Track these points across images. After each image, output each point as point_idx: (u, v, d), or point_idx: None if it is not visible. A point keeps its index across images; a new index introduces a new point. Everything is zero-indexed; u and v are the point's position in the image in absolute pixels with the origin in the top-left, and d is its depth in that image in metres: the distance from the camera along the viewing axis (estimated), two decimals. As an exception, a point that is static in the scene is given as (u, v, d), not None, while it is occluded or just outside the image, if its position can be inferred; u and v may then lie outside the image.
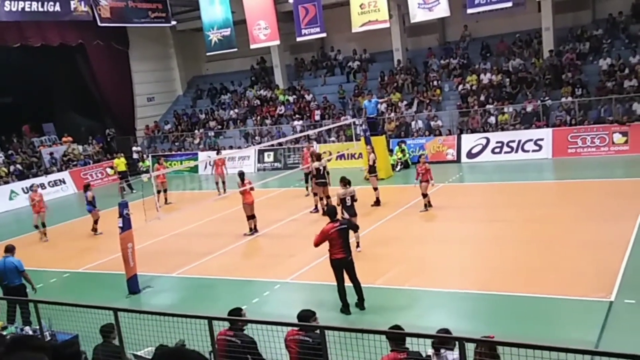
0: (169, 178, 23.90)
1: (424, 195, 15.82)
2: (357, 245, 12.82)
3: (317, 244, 10.02)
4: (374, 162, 17.68)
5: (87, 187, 18.69)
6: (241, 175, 16.19)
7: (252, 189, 15.76)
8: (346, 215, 12.54)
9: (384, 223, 15.33)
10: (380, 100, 23.90)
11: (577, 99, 22.53)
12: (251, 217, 15.77)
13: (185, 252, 14.91)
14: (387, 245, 13.60)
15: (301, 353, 6.42)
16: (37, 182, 26.20)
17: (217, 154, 22.27)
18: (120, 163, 26.36)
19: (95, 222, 17.78)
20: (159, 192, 20.18)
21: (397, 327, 6.08)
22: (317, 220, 16.30)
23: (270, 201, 19.84)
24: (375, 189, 17.23)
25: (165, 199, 21.12)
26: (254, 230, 15.81)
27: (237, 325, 6.98)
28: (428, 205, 15.89)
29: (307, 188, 19.63)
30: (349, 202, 13.08)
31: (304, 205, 18.06)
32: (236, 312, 7.26)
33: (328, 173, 17.12)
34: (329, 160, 19.93)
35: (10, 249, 10.85)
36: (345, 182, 13.20)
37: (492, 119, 23.75)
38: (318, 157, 17.39)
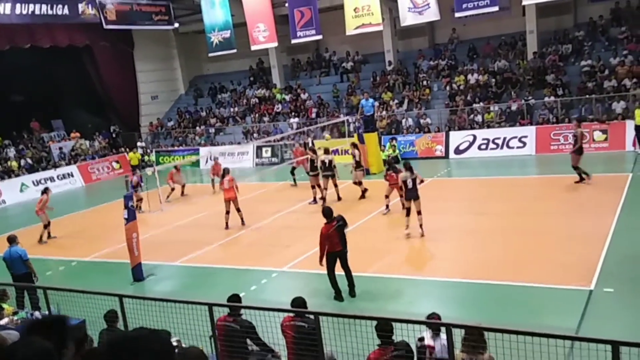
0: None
1: (387, 197, 15.29)
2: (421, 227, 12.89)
3: (321, 250, 9.91)
4: (359, 158, 17.66)
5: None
6: (225, 170, 16.18)
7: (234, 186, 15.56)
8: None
9: (375, 215, 15.32)
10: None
11: (560, 98, 22.56)
12: (236, 210, 15.54)
13: (187, 242, 14.87)
14: (378, 236, 13.59)
15: (297, 338, 6.40)
16: (46, 175, 26.21)
17: (216, 159, 22.30)
18: (134, 157, 26.32)
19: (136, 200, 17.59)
20: (172, 189, 20.35)
21: (385, 322, 5.75)
22: (314, 212, 16.29)
23: (267, 194, 19.83)
24: (358, 183, 17.33)
25: (182, 192, 20.99)
26: (226, 225, 15.60)
27: (236, 311, 6.97)
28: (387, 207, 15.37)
29: (294, 180, 20.24)
30: (410, 185, 12.92)
31: (300, 198, 18.03)
32: (235, 298, 7.23)
33: (334, 166, 17.10)
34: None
35: (12, 239, 10.84)
36: (407, 167, 13.18)
37: (478, 117, 23.75)
38: (326, 151, 17.46)
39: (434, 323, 5.64)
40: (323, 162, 17.08)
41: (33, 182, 25.43)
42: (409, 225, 13.00)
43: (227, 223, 15.55)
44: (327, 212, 10.17)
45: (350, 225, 13.93)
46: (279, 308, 6.71)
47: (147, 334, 2.01)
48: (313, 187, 17.43)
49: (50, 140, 29.58)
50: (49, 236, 16.76)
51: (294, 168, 20.50)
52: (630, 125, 20.12)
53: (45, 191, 17.19)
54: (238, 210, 15.54)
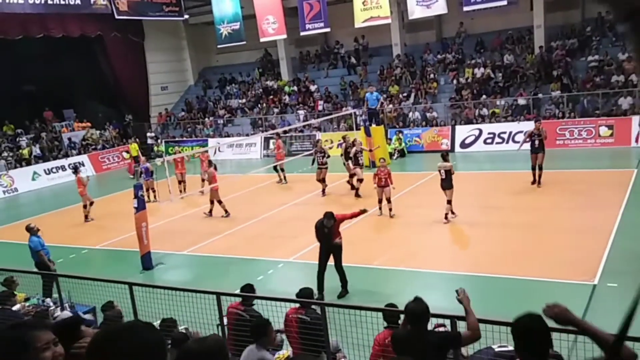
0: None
1: (386, 201, 14.23)
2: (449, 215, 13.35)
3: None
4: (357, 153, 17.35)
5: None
6: (212, 163, 16.58)
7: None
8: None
9: (378, 209, 15.28)
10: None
11: (566, 93, 22.42)
12: (219, 201, 15.95)
13: (195, 232, 14.94)
14: (383, 229, 13.61)
15: (300, 330, 6.43)
16: (58, 164, 26.37)
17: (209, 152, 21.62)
18: (133, 148, 26.33)
19: (146, 189, 17.80)
20: (179, 182, 19.87)
21: (392, 305, 6.05)
22: (321, 204, 16.31)
23: (274, 186, 19.83)
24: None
25: (184, 189, 20.00)
26: (225, 213, 16.01)
27: (249, 301, 7.02)
28: (389, 211, 14.30)
29: (280, 177, 19.76)
30: (443, 175, 13.19)
31: (307, 190, 18.04)
32: (249, 288, 7.27)
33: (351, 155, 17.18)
34: (330, 148, 19.91)
35: (29, 230, 11.02)
36: (442, 156, 13.64)
37: (484, 111, 23.63)
38: (353, 144, 17.55)
39: (441, 316, 5.63)
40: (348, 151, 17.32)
41: (45, 171, 25.60)
42: (454, 212, 13.44)
43: (225, 210, 16.00)
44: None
45: (354, 218, 14.01)
46: (286, 298, 6.74)
47: (131, 326, 1.98)
48: (320, 180, 17.43)
49: (64, 128, 29.74)
50: (85, 218, 17.35)
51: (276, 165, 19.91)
52: (636, 121, 20.00)
53: (76, 171, 18.43)
54: (211, 202, 16.03)
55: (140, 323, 2.00)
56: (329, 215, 9.74)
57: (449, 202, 13.24)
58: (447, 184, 13.19)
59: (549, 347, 3.48)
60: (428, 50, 27.62)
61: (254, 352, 5.56)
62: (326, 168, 17.51)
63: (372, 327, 5.70)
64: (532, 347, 3.45)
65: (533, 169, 15.72)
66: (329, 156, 17.81)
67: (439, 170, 13.34)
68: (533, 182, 15.75)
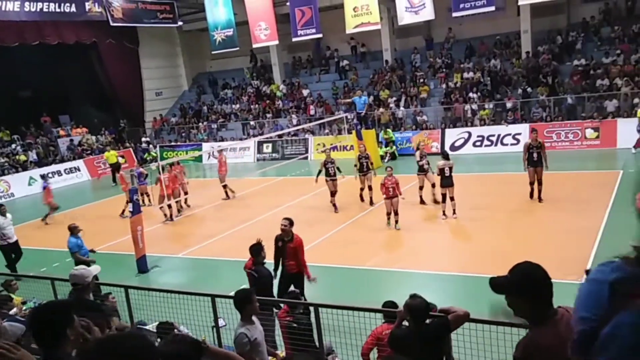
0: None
1: (394, 213, 13.26)
2: (453, 212, 13.54)
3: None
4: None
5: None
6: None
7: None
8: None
9: (373, 210, 15.31)
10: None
11: (553, 97, 22.53)
12: (160, 207, 16.27)
13: (190, 235, 14.89)
14: (376, 231, 13.59)
15: (290, 335, 6.42)
16: (54, 169, 26.16)
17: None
18: (111, 156, 25.81)
19: (140, 194, 17.36)
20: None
21: (392, 302, 5.98)
22: (313, 207, 16.29)
23: (268, 189, 19.81)
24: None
25: (185, 200, 18.19)
26: (169, 217, 16.40)
27: (258, 260, 8.05)
28: (395, 223, 13.31)
29: (227, 193, 18.38)
30: (447, 173, 13.24)
31: (300, 192, 18.02)
32: (257, 246, 8.20)
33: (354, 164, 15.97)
34: (323, 152, 19.87)
35: (68, 229, 11.24)
36: (444, 155, 13.87)
37: (474, 106, 23.72)
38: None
39: (437, 316, 5.60)
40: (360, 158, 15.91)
41: (41, 176, 25.38)
42: (445, 211, 13.53)
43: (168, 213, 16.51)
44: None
45: (348, 219, 14.04)
46: (283, 299, 6.72)
47: (122, 335, 2.00)
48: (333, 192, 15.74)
49: (61, 129, 29.58)
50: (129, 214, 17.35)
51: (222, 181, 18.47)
52: (621, 124, 20.13)
53: (118, 169, 20.10)
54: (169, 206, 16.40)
55: (132, 333, 2.03)
56: (287, 219, 9.24)
57: (453, 198, 13.40)
58: (450, 181, 13.33)
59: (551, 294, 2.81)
60: (415, 49, 27.68)
61: (238, 324, 5.42)
62: (336, 179, 15.77)
63: (365, 327, 5.68)
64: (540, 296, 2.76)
65: (531, 184, 14.29)
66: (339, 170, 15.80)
67: (443, 169, 13.29)
68: (532, 197, 14.44)
